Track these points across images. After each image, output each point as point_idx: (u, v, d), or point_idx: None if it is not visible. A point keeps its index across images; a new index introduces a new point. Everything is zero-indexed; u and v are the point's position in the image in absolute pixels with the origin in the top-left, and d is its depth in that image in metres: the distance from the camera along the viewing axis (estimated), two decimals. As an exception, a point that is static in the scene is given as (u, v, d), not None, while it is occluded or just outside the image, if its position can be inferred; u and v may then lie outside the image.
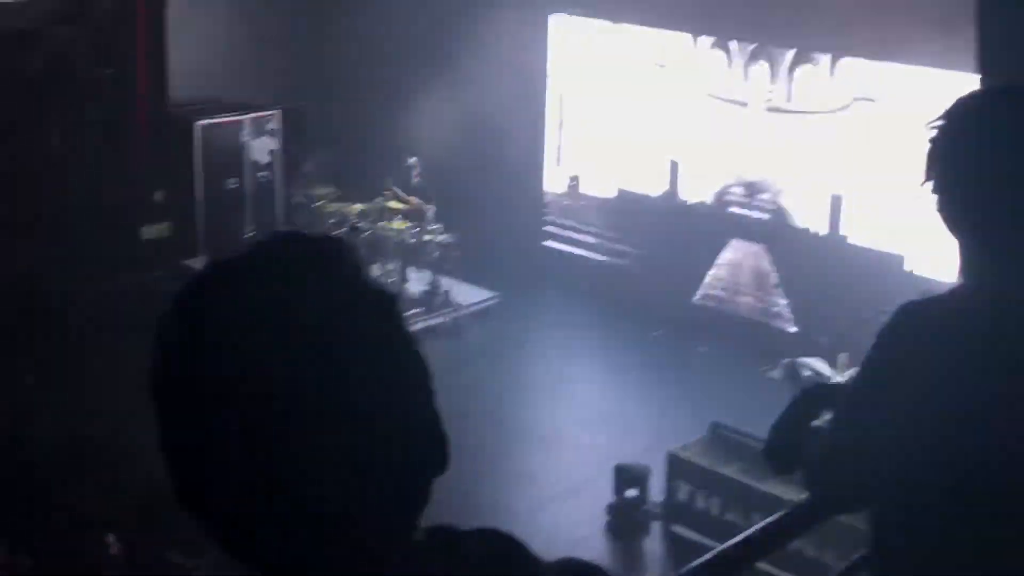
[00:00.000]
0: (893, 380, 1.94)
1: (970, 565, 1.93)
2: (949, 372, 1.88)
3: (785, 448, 2.22)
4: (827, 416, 2.14)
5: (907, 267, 9.11)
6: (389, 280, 10.28)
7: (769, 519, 2.15)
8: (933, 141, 1.96)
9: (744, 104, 10.17)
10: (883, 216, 9.25)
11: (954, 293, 2.00)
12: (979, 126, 1.94)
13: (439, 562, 1.15)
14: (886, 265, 9.16)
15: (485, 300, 10.62)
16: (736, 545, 2.11)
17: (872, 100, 9.41)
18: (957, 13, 5.47)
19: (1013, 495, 1.88)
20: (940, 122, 1.95)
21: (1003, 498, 1.89)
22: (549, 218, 11.44)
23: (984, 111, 1.97)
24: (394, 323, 1.14)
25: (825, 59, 9.66)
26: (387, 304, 1.14)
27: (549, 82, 11.19)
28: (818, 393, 2.29)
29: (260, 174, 10.85)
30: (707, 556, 2.06)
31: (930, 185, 1.96)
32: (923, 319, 1.96)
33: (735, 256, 10.44)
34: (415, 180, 10.64)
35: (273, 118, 10.85)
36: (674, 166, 10.74)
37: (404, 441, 1.11)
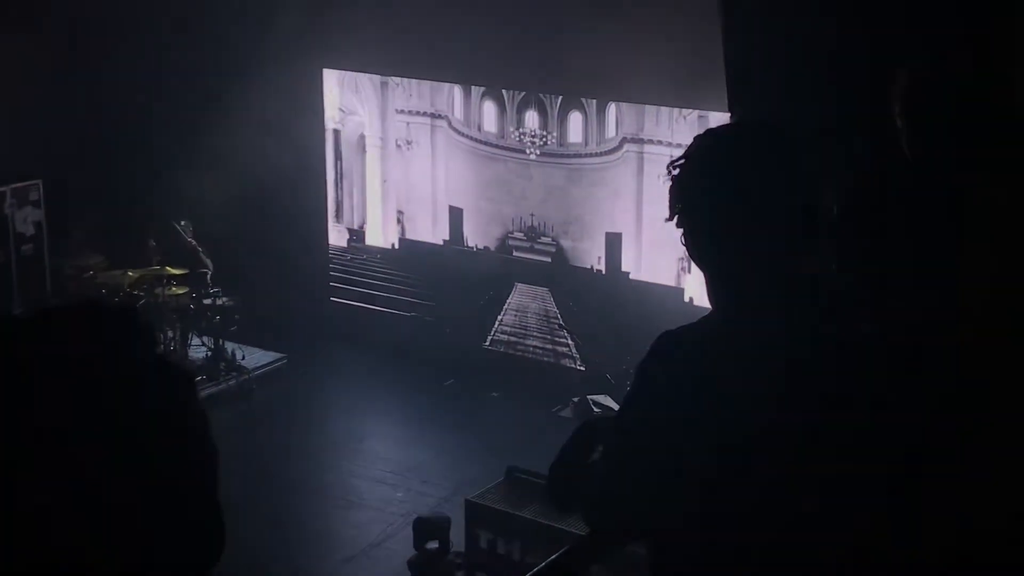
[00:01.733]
0: (651, 410, 1.98)
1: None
2: (696, 399, 1.94)
3: (564, 486, 2.23)
4: (601, 450, 2.17)
5: (687, 298, 9.42)
6: (170, 347, 9.96)
7: (552, 556, 2.16)
8: (675, 179, 2.03)
9: (520, 151, 10.38)
10: (661, 251, 9.56)
11: (705, 320, 2.06)
12: (709, 167, 2.02)
13: None
14: (667, 298, 9.47)
15: (272, 362, 10.42)
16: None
17: (641, 140, 9.74)
18: (708, 60, 5.76)
19: (766, 516, 1.93)
20: (681, 161, 2.02)
21: (758, 521, 1.94)
22: (334, 274, 11.35)
23: (715, 149, 2.06)
24: (186, 403, 1.09)
25: (592, 104, 9.95)
26: (181, 382, 1.09)
27: (327, 137, 11.14)
28: (594, 427, 2.32)
29: (25, 247, 10.38)
30: None
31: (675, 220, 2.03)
32: (676, 348, 2.02)
33: (521, 300, 10.62)
34: (190, 242, 10.36)
35: (36, 188, 10.41)
36: (456, 213, 10.83)
37: (179, 526, 1.06)
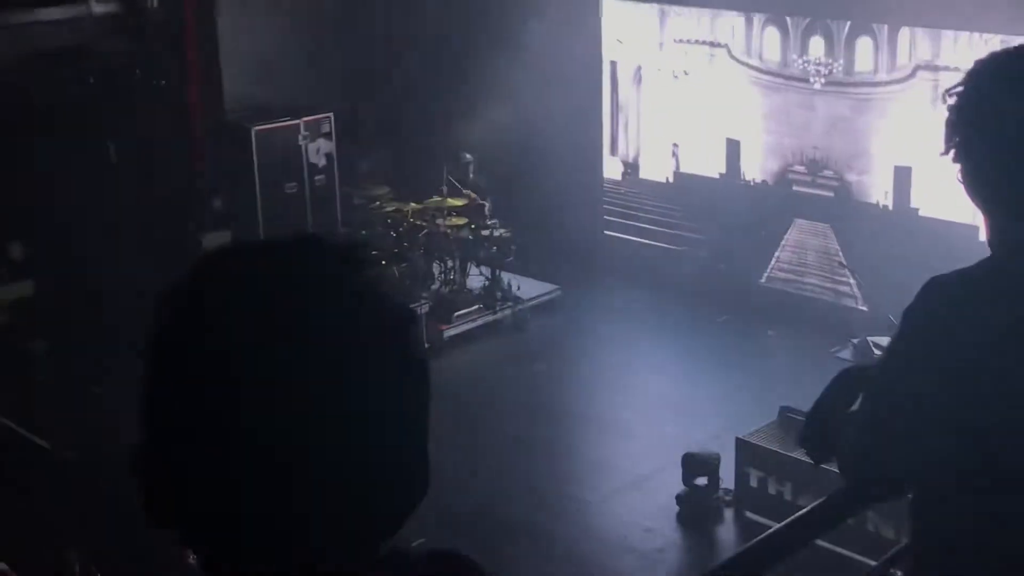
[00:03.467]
0: (923, 359, 1.84)
1: (1013, 545, 1.82)
2: (980, 348, 1.78)
3: (819, 436, 2.13)
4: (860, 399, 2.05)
5: (982, 237, 8.79)
6: (449, 276, 10.26)
7: (805, 509, 2.07)
8: (952, 108, 1.85)
9: (804, 80, 9.95)
10: (955, 187, 8.98)
11: (982, 266, 1.89)
12: (1000, 89, 1.83)
13: None
14: (960, 237, 8.73)
15: (547, 293, 10.55)
16: (775, 535, 2.03)
17: (936, 68, 9.15)
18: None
19: None
20: (960, 87, 1.84)
21: None
22: (609, 207, 11.34)
23: (1005, 73, 1.86)
24: (403, 342, 1.08)
25: (883, 29, 9.43)
26: (400, 321, 1.08)
27: (604, 69, 11.08)
28: (854, 376, 2.19)
29: (318, 177, 10.88)
30: (765, 534, 1.99)
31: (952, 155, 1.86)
32: (951, 295, 1.86)
33: (800, 236, 10.28)
34: (471, 177, 10.61)
35: (327, 121, 10.87)
36: (733, 145, 10.54)
37: (389, 465, 1.06)
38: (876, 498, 2.22)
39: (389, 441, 1.06)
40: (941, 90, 7.73)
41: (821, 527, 2.15)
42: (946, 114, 1.89)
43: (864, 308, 9.73)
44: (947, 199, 9.07)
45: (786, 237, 10.35)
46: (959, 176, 1.90)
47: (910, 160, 9.45)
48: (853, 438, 1.97)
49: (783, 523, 2.00)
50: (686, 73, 10.71)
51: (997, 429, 1.78)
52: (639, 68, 11.04)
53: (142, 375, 1.08)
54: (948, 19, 8.75)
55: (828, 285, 10.11)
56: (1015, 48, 1.99)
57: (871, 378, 2.02)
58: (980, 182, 1.86)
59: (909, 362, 1.87)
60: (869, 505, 2.24)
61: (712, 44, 10.49)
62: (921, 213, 9.47)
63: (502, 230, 10.33)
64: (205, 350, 1.03)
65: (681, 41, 10.67)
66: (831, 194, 10.04)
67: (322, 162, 10.91)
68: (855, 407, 2.08)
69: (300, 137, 10.76)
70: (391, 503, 1.08)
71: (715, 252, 10.55)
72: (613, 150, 11.34)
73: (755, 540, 2.01)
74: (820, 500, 2.09)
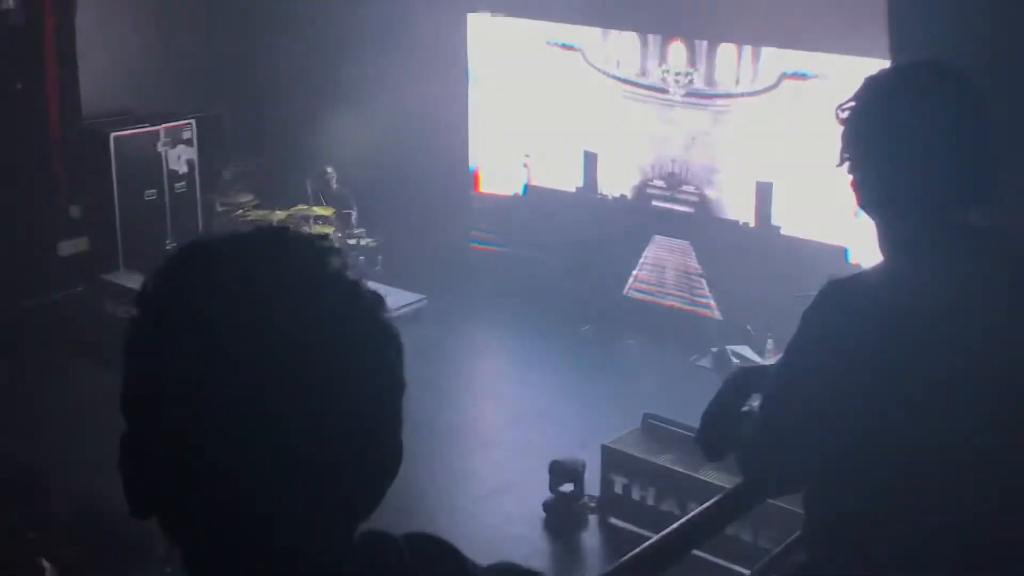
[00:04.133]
0: (820, 358, 1.95)
1: (904, 538, 1.94)
2: (873, 348, 1.90)
3: (716, 433, 2.23)
4: (757, 399, 2.15)
5: (852, 260, 8.53)
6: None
7: (704, 505, 2.16)
8: (846, 121, 1.98)
9: (663, 91, 9.75)
10: (822, 203, 8.62)
11: (876, 269, 2.02)
12: (890, 103, 1.97)
13: (373, 567, 1.13)
14: (825, 256, 8.62)
15: (413, 302, 10.55)
16: (673, 533, 2.11)
17: (803, 76, 8.90)
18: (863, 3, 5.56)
19: (943, 468, 1.90)
20: (852, 102, 1.97)
21: (934, 472, 1.91)
22: (476, 219, 11.35)
23: (895, 88, 2.00)
24: (378, 323, 1.12)
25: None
26: (374, 304, 1.12)
27: (470, 82, 11.10)
28: (748, 376, 2.30)
29: (178, 184, 10.69)
30: (643, 546, 2.06)
31: (846, 166, 1.99)
32: (847, 297, 1.98)
33: (659, 254, 10.17)
34: (334, 188, 10.56)
35: (189, 127, 10.69)
36: (591, 158, 10.32)
37: (367, 446, 1.10)
38: (772, 494, 2.34)
39: (369, 423, 1.10)
40: (805, 101, 7.76)
41: (721, 522, 2.25)
42: (840, 128, 2.02)
43: (721, 318, 9.91)
44: (811, 217, 9.00)
45: (645, 254, 10.25)
46: (851, 185, 2.03)
47: (773, 175, 9.33)
48: (752, 435, 2.07)
49: (684, 519, 2.09)
50: (537, 78, 10.37)
51: (886, 424, 1.91)
52: (479, 68, 10.61)
53: (123, 370, 1.09)
54: (803, 41, 8.87)
55: (687, 296, 10.22)
56: (901, 67, 2.13)
57: (770, 375, 2.13)
58: (873, 190, 1.98)
59: (806, 360, 1.98)
60: (764, 501, 2.34)
61: (565, 47, 10.16)
62: (783, 232, 9.36)
63: (368, 239, 10.32)
64: (180, 344, 1.05)
65: (531, 41, 10.24)
66: (691, 210, 9.96)
67: (183, 169, 10.72)
68: (749, 406, 2.19)
69: (160, 144, 10.56)
70: (368, 483, 1.12)
71: (576, 264, 10.62)
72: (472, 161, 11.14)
73: (653, 539, 2.08)
74: (719, 496, 2.18)
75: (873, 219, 2.00)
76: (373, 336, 1.10)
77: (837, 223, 8.71)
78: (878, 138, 1.96)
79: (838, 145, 1.99)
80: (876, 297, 1.94)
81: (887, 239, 1.98)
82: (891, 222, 1.97)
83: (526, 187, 10.84)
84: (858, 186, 1.98)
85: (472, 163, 11.14)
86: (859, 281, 2.02)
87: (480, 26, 10.70)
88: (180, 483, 1.06)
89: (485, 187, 11.04)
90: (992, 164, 1.93)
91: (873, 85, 1.99)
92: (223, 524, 1.07)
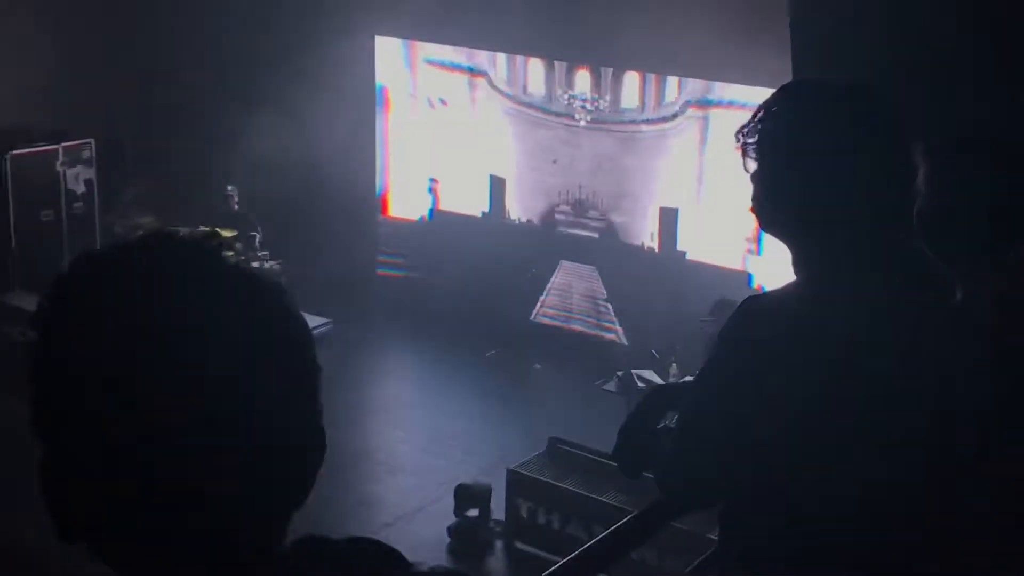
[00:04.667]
0: (738, 374, 1.96)
1: (820, 551, 1.96)
2: (790, 364, 1.91)
3: (633, 450, 2.22)
4: (673, 416, 2.15)
5: (755, 284, 8.72)
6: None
7: (620, 522, 2.15)
8: (749, 143, 1.97)
9: (569, 116, 9.83)
10: (727, 229, 8.86)
11: (792, 287, 2.03)
12: (792, 121, 1.97)
13: (310, 570, 1.12)
14: (729, 282, 8.76)
15: (318, 327, 10.44)
16: (581, 555, 2.10)
17: (707, 104, 9.03)
18: (763, 30, 5.68)
19: (862, 485, 1.92)
20: (754, 123, 1.97)
21: (851, 488, 1.92)
22: (381, 242, 11.31)
23: (798, 106, 2.00)
24: (282, 313, 1.10)
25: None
26: (275, 295, 1.10)
27: (377, 105, 11.07)
28: (665, 393, 2.31)
29: (76, 204, 10.46)
30: (550, 570, 2.05)
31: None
32: (764, 314, 1.99)
33: (566, 279, 10.26)
34: (235, 209, 10.43)
35: (88, 146, 10.48)
36: (497, 183, 10.38)
37: (286, 431, 1.08)
38: (689, 509, 2.34)
39: (284, 410, 1.08)
40: (711, 128, 7.85)
41: (639, 537, 2.24)
42: (742, 148, 2.01)
43: (626, 342, 10.02)
44: (714, 243, 9.15)
45: (552, 280, 10.32)
46: (753, 204, 2.02)
47: (677, 201, 9.44)
48: (669, 452, 2.08)
49: (604, 533, 2.08)
50: (442, 102, 10.42)
51: (803, 439, 1.92)
52: (383, 89, 10.60)
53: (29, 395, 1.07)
54: (708, 71, 9.04)
55: (593, 321, 10.31)
56: (802, 81, 2.13)
57: (688, 390, 2.14)
58: (780, 211, 1.98)
59: (723, 375, 1.98)
60: (680, 516, 2.34)
61: (472, 71, 10.21)
62: (688, 257, 9.47)
63: (272, 262, 10.20)
64: (82, 358, 1.03)
65: (434, 64, 10.32)
66: (596, 235, 10.05)
67: (81, 189, 10.50)
68: (665, 423, 2.19)
69: (59, 163, 10.32)
70: (294, 469, 1.10)
71: (483, 289, 10.64)
72: (380, 185, 11.12)
73: (560, 563, 2.07)
74: (637, 511, 2.18)
75: (781, 239, 2.00)
76: (276, 324, 1.09)
77: (740, 249, 8.89)
78: (787, 156, 1.95)
79: (746, 164, 1.99)
80: (792, 313, 1.95)
81: (798, 259, 1.98)
82: (802, 243, 1.97)
83: (432, 211, 10.81)
84: (765, 207, 1.98)
85: (379, 186, 11.10)
86: (775, 298, 2.03)
87: (387, 48, 10.68)
88: (106, 495, 1.03)
89: (393, 211, 10.97)
90: (911, 183, 1.95)
91: (777, 103, 1.99)
92: (149, 539, 1.05)
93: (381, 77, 10.77)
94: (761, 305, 2.00)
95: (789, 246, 2.00)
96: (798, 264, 1.99)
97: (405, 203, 10.87)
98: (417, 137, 10.64)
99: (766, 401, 1.91)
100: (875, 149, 1.93)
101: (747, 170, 2.00)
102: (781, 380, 1.91)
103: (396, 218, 10.93)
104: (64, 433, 1.04)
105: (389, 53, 10.65)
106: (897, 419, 1.89)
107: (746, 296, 2.08)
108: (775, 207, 1.97)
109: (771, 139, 1.96)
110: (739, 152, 2.00)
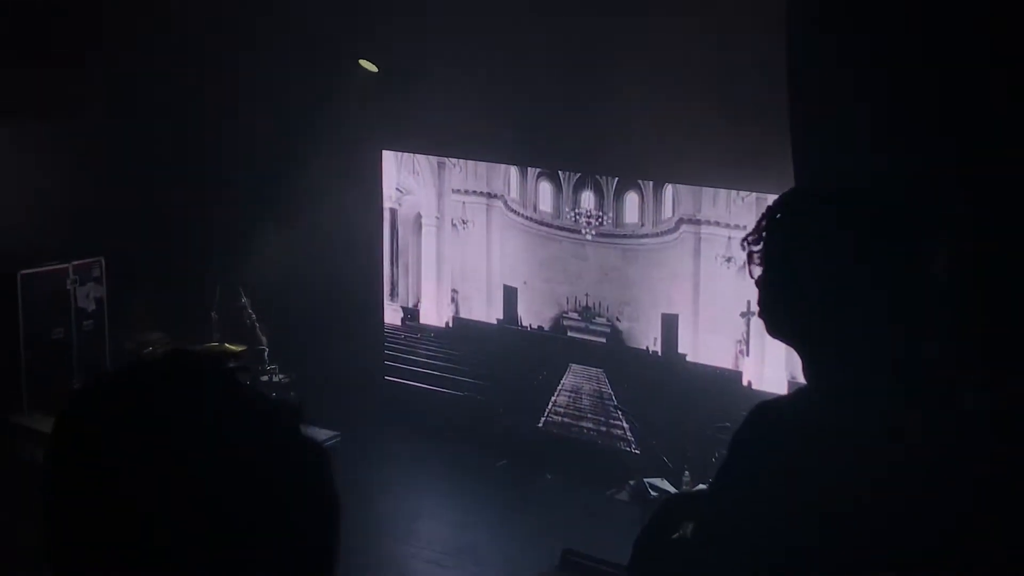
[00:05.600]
0: (754, 480, 1.94)
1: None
2: (805, 471, 1.90)
3: (649, 563, 2.20)
4: (687, 526, 2.13)
5: (745, 381, 9.27)
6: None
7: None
8: (754, 254, 1.98)
9: (576, 231, 10.37)
10: (719, 334, 9.46)
11: (801, 392, 2.03)
12: (793, 229, 1.98)
13: None
14: (724, 381, 9.31)
15: (326, 440, 10.40)
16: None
17: (698, 222, 9.68)
18: (768, 142, 5.77)
19: None
20: (761, 226, 1.98)
21: None
22: (389, 353, 11.38)
23: (799, 215, 2.01)
24: (297, 439, 1.10)
25: (649, 186, 9.97)
26: (287, 425, 1.10)
27: (384, 216, 11.26)
28: (676, 503, 2.28)
29: (86, 322, 10.50)
30: None
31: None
32: (775, 419, 1.98)
33: (575, 381, 10.56)
34: (248, 322, 10.47)
35: (98, 264, 10.57)
36: (511, 292, 10.83)
37: (301, 562, 1.07)
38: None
39: (291, 546, 1.07)
40: (703, 242, 8.07)
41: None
42: (748, 255, 2.02)
43: (637, 451, 10.02)
44: (710, 346, 9.63)
45: (562, 382, 10.60)
46: (760, 310, 2.03)
47: (677, 308, 9.91)
48: (687, 562, 2.05)
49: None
50: (464, 223, 11.03)
51: (824, 548, 1.90)
52: (418, 215, 11.31)
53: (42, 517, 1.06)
54: (707, 178, 9.30)
55: (603, 428, 10.38)
56: (804, 189, 2.15)
57: (701, 499, 2.12)
58: (784, 317, 1.98)
59: (740, 483, 1.97)
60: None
61: (489, 195, 10.87)
62: (689, 359, 9.87)
63: (281, 375, 10.20)
64: (93, 486, 1.02)
65: (459, 191, 11.01)
66: (603, 340, 10.37)
67: (92, 306, 10.55)
68: (680, 533, 2.17)
69: (69, 281, 10.40)
70: None
71: (493, 396, 10.71)
72: (393, 296, 11.47)
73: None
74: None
75: (788, 345, 2.00)
76: (292, 452, 1.08)
77: (732, 351, 9.42)
78: (791, 263, 1.96)
79: (751, 271, 2.00)
80: (803, 421, 1.94)
81: (806, 365, 1.98)
82: (807, 349, 1.97)
83: (454, 319, 11.24)
84: (768, 313, 1.98)
85: (398, 297, 11.33)
86: (788, 404, 2.03)
87: (419, 180, 11.18)
88: None
89: (423, 319, 11.39)
90: (918, 286, 1.94)
91: (779, 214, 2.00)
92: None
93: (410, 199, 11.26)
94: (771, 410, 2.00)
95: (796, 351, 2.00)
96: (805, 369, 1.99)
97: (435, 313, 11.36)
98: (444, 254, 11.25)
99: (781, 507, 1.90)
100: (877, 254, 1.93)
101: (752, 276, 2.01)
102: (795, 485, 1.90)
103: (427, 324, 11.36)
104: (77, 561, 1.03)
105: (421, 183, 11.17)
106: (898, 532, 1.87)
107: (736, 391, 2.08)
108: (780, 313, 1.98)
109: (775, 246, 1.97)
110: (745, 258, 2.01)
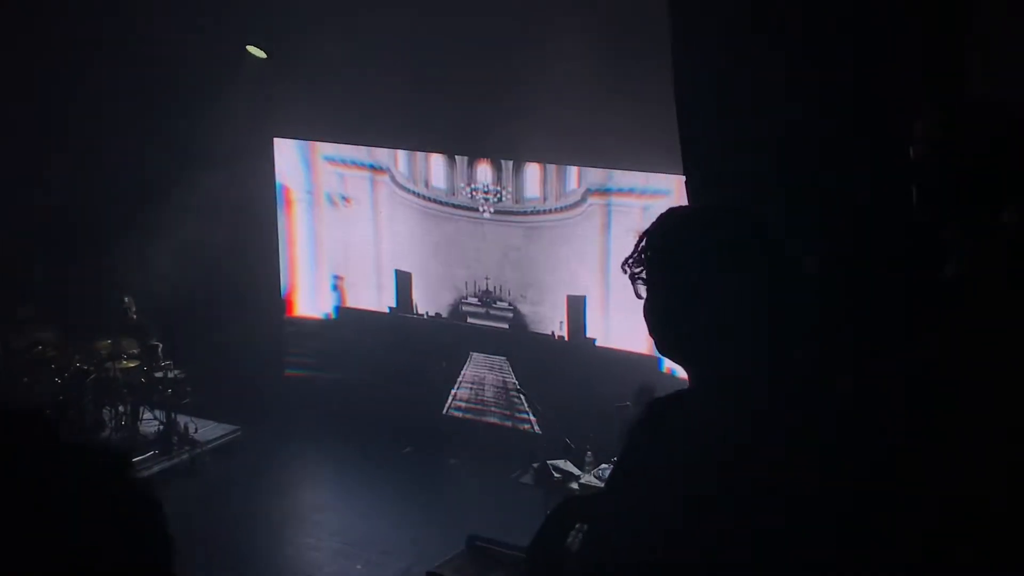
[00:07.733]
0: (640, 479, 1.94)
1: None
2: (694, 468, 1.90)
3: (545, 566, 2.18)
4: (582, 527, 2.12)
5: (665, 368, 8.67)
6: (120, 423, 9.81)
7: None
8: (635, 272, 1.99)
9: (473, 209, 9.93)
10: (633, 315, 9.13)
11: (692, 394, 2.03)
12: (669, 248, 1.99)
13: None
14: (640, 368, 8.84)
15: (226, 435, 10.26)
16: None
17: (607, 191, 9.17)
18: (660, 126, 5.79)
19: None
20: (638, 253, 1.99)
21: None
22: (289, 343, 11.19)
23: (673, 234, 2.02)
24: (121, 486, 1.05)
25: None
26: (114, 467, 1.05)
27: (278, 204, 11.03)
28: (571, 507, 2.27)
29: (-28, 323, 10.18)
30: None
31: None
32: (665, 415, 1.98)
33: (477, 372, 10.27)
34: (133, 319, 10.22)
35: (-16, 264, 10.24)
36: (404, 277, 10.43)
37: None
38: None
39: None
40: (613, 215, 7.95)
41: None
42: (630, 277, 2.04)
43: (540, 432, 9.96)
44: (623, 329, 9.24)
45: (463, 372, 10.31)
46: (644, 312, 2.04)
47: (584, 288, 9.51)
48: (582, 563, 2.04)
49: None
50: (345, 200, 10.46)
51: (713, 545, 1.90)
52: (284, 189, 10.62)
53: None
54: (607, 159, 9.20)
55: (506, 411, 10.26)
56: (678, 209, 2.15)
57: (593, 502, 2.11)
58: (670, 334, 2.00)
59: (628, 483, 1.96)
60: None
61: (373, 168, 10.25)
62: (598, 344, 9.50)
63: (176, 371, 10.00)
64: None
65: (335, 161, 10.39)
66: (506, 326, 10.11)
67: (-24, 307, 10.23)
68: (575, 534, 2.16)
69: (-48, 282, 10.06)
70: None
71: (395, 385, 10.57)
72: (284, 286, 11.08)
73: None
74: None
75: (677, 363, 2.02)
76: (116, 500, 1.04)
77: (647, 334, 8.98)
78: (671, 282, 1.97)
79: (637, 291, 2.01)
80: (692, 418, 1.95)
81: (697, 380, 1.99)
82: (692, 367, 1.99)
83: (337, 309, 10.72)
84: (655, 331, 2.00)
85: (284, 286, 11.02)
86: (679, 400, 2.03)
87: (286, 149, 10.69)
88: None
89: (299, 310, 10.87)
90: (789, 294, 1.97)
91: (657, 232, 2.01)
92: None
93: (281, 177, 10.73)
94: (665, 407, 2.00)
95: (683, 368, 2.01)
96: (690, 378, 2.00)
97: (310, 302, 10.74)
98: (321, 235, 10.59)
99: (672, 503, 1.90)
100: (751, 267, 1.95)
101: (639, 296, 2.02)
102: (685, 483, 1.90)
103: (303, 317, 10.78)
104: None
105: (288, 152, 10.63)
106: (792, 527, 1.88)
107: (654, 379, 2.08)
108: (665, 332, 1.99)
109: (653, 267, 1.99)
110: (629, 280, 2.02)
